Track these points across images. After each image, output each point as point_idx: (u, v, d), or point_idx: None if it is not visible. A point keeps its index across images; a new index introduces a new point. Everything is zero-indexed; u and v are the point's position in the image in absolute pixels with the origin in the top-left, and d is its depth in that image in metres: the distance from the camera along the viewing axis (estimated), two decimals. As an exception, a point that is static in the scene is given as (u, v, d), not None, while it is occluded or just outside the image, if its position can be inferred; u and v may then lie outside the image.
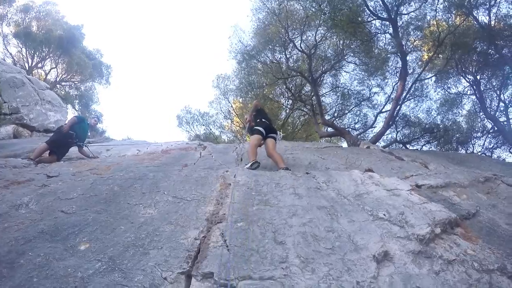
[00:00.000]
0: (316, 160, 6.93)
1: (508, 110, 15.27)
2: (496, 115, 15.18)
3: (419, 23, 13.46)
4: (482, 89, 15.26)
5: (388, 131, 16.61)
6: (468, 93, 16.13)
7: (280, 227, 3.04)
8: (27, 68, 22.52)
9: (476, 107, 16.22)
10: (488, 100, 15.65)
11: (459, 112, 16.88)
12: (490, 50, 13.62)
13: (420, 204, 3.75)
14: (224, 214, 3.31)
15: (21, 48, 23.65)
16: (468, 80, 15.53)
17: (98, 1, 78.12)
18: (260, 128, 6.31)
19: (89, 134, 10.30)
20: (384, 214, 3.36)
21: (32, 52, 23.73)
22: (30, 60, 23.97)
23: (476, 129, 16.82)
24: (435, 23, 13.46)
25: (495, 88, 15.26)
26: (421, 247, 2.89)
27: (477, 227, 3.79)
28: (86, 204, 3.48)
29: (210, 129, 20.34)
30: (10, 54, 23.72)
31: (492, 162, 9.94)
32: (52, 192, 3.81)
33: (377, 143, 13.19)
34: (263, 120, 6.57)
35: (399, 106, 14.45)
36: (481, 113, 15.86)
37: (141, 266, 2.46)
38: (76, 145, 7.81)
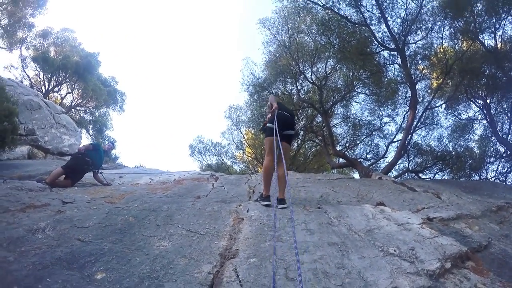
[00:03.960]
0: (328, 193, 7.01)
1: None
2: (508, 138, 15.04)
3: (426, 52, 13.67)
4: (493, 113, 15.21)
5: (400, 161, 16.61)
6: (479, 117, 16.11)
7: (291, 263, 3.10)
8: (43, 92, 23.21)
9: (487, 131, 16.12)
10: (499, 123, 15.58)
11: (470, 138, 16.77)
12: (498, 73, 13.67)
13: (431, 238, 3.82)
14: (237, 249, 3.39)
15: (39, 72, 24.35)
16: (478, 104, 15.57)
17: (115, 30, 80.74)
18: (270, 125, 5.45)
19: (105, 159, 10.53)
20: (395, 250, 3.45)
21: (49, 76, 24.44)
22: (47, 84, 24.68)
23: (489, 154, 16.52)
24: (442, 50, 13.64)
25: (506, 111, 15.18)
26: (431, 283, 2.96)
27: (488, 259, 3.79)
28: (102, 234, 3.56)
29: (222, 159, 20.47)
30: (28, 76, 24.49)
31: (506, 188, 9.88)
32: (68, 219, 3.90)
33: (389, 173, 13.17)
34: (281, 111, 5.63)
35: (410, 135, 14.45)
36: (493, 137, 15.72)
37: None
38: (91, 171, 8.01)
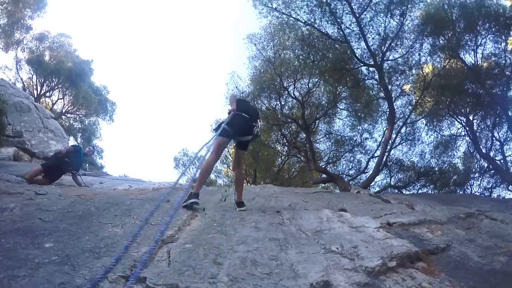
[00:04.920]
0: (297, 202, 6.83)
1: (504, 148, 15.23)
2: (492, 154, 15.10)
3: (405, 68, 13.81)
4: (476, 129, 15.28)
5: (382, 177, 16.65)
6: (462, 134, 16.14)
7: (224, 251, 3.16)
8: (35, 96, 23.24)
9: (471, 147, 16.14)
10: (483, 140, 15.63)
11: (454, 154, 16.82)
12: (480, 91, 13.74)
13: (382, 240, 3.71)
14: (179, 237, 3.50)
15: (32, 75, 24.55)
16: (460, 121, 15.62)
17: (109, 39, 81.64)
18: (226, 127, 4.99)
19: (85, 164, 10.46)
20: (337, 248, 3.34)
21: (42, 80, 24.58)
22: (39, 88, 24.82)
23: (473, 170, 16.59)
24: (420, 66, 13.84)
25: (489, 128, 15.23)
26: (369, 279, 2.83)
27: (445, 261, 3.69)
28: (62, 217, 3.83)
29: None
30: (21, 79, 24.69)
31: (485, 199, 9.81)
32: (36, 204, 4.23)
33: (369, 188, 13.08)
34: (241, 114, 5.16)
35: (389, 151, 14.48)
36: (476, 153, 15.74)
37: (90, 265, 2.72)
38: (70, 173, 8.32)
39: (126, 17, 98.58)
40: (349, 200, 7.32)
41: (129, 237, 3.34)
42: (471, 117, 15.20)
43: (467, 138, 15.83)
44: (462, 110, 15.18)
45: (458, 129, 16.22)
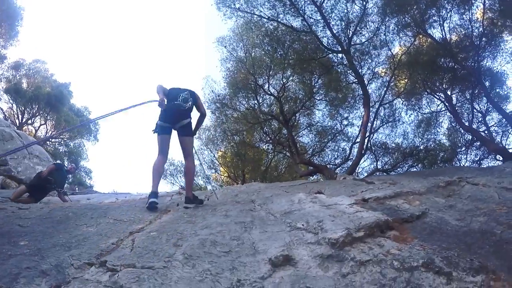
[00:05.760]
0: (278, 194, 6.73)
1: (486, 119, 15.22)
2: (475, 126, 15.07)
3: (371, 50, 13.79)
4: (455, 103, 15.25)
5: (368, 162, 16.72)
6: (443, 110, 16.10)
7: (186, 236, 3.28)
8: (17, 125, 23.29)
9: (453, 122, 16.11)
10: (465, 113, 15.56)
11: (437, 131, 16.74)
12: (454, 65, 13.74)
13: (352, 214, 3.63)
14: (147, 228, 3.64)
15: (12, 104, 24.64)
16: (438, 97, 15.60)
17: (86, 60, 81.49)
18: (158, 122, 4.95)
19: (69, 179, 10.41)
20: (302, 225, 3.28)
21: (23, 108, 24.72)
22: (20, 116, 24.93)
23: (459, 144, 16.53)
24: (388, 47, 13.88)
25: (469, 101, 15.19)
26: (333, 251, 2.76)
27: (420, 228, 3.61)
28: (39, 222, 3.91)
29: (194, 180, 19.96)
30: (1, 109, 24.70)
31: (470, 169, 9.71)
32: (17, 214, 4.32)
33: (357, 175, 12.99)
34: (170, 103, 4.95)
35: (370, 134, 14.42)
36: (459, 128, 15.73)
37: (58, 255, 2.89)
38: (55, 190, 8.57)
39: (98, 35, 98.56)
40: (332, 186, 7.20)
41: (100, 232, 3.57)
42: (449, 92, 15.14)
43: (448, 114, 15.80)
44: (439, 86, 15.11)
45: (438, 105, 16.19)
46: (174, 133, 5.11)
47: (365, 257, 2.68)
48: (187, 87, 5.31)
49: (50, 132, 26.27)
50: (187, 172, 5.23)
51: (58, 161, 14.32)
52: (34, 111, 25.12)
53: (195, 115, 5.38)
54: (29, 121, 25.64)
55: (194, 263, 2.66)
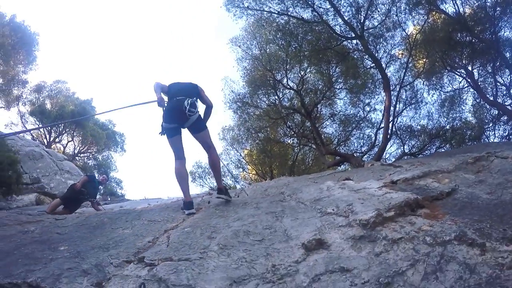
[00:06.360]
0: (308, 184, 6.77)
1: (511, 92, 14.82)
2: (500, 101, 14.65)
3: (386, 32, 13.63)
4: (477, 79, 14.85)
5: (395, 147, 16.54)
6: (465, 86, 15.71)
7: (220, 228, 3.39)
8: (46, 144, 24.11)
9: (477, 98, 15.72)
10: (488, 88, 15.20)
11: (462, 109, 16.37)
12: (472, 39, 13.41)
13: (381, 196, 3.66)
14: (181, 226, 3.77)
15: (38, 125, 25.38)
16: (459, 74, 15.25)
17: (103, 73, 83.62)
18: (164, 124, 4.62)
19: (101, 190, 10.73)
20: (333, 209, 3.34)
21: (49, 128, 25.44)
22: (48, 136, 25.79)
23: (486, 120, 16.09)
24: (402, 27, 13.69)
25: (491, 74, 14.75)
26: (364, 232, 2.81)
27: (450, 204, 3.60)
28: (77, 229, 4.10)
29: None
30: (30, 132, 25.36)
31: (498, 144, 9.50)
32: (54, 224, 4.54)
33: (385, 160, 12.86)
34: (172, 100, 4.59)
35: (393, 118, 14.23)
36: (484, 103, 15.33)
37: (97, 256, 3.06)
38: (88, 201, 9.00)
39: (114, 46, 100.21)
40: (359, 173, 7.20)
41: (136, 233, 3.71)
42: (470, 68, 14.76)
43: (472, 90, 15.43)
44: (459, 63, 14.78)
45: (460, 82, 15.82)
46: (185, 130, 4.78)
47: (397, 235, 2.72)
48: (190, 80, 5.06)
49: (78, 147, 27.32)
50: (213, 164, 4.93)
51: (90, 173, 14.77)
52: (60, 129, 25.91)
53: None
54: (57, 139, 26.46)
55: (229, 252, 2.78)
